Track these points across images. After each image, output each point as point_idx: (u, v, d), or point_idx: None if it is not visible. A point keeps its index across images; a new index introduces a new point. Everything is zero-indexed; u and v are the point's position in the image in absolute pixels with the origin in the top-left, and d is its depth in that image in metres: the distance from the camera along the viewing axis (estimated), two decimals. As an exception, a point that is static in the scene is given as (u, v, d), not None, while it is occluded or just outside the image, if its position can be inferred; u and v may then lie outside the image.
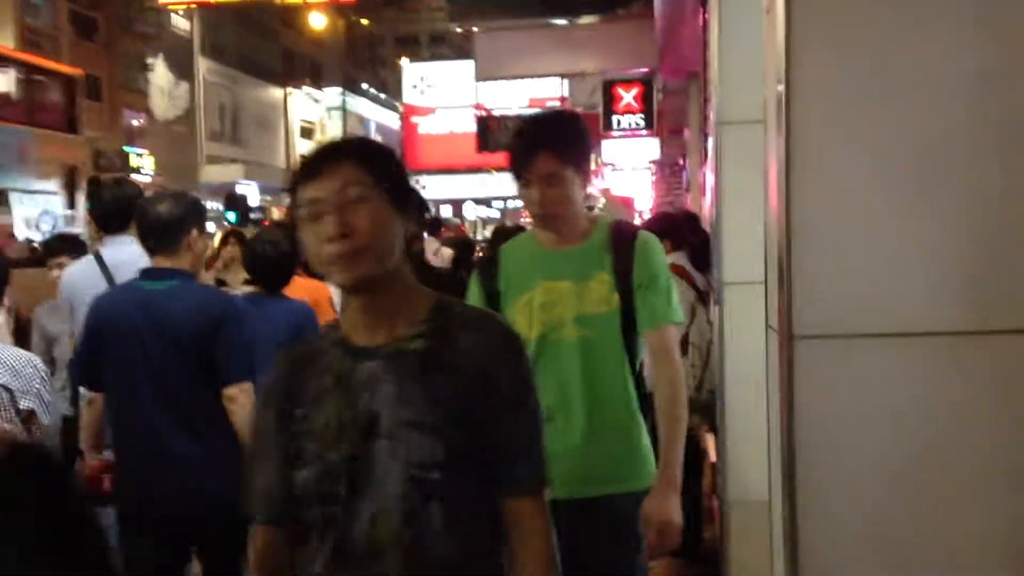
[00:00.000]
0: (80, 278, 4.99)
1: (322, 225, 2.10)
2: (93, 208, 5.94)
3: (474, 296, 3.37)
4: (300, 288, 5.40)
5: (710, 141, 5.59)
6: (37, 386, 3.50)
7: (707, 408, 5.23)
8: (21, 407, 3.43)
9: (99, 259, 4.98)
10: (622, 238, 3.32)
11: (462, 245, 11.36)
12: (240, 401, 3.82)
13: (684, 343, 5.39)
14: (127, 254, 4.75)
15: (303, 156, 2.25)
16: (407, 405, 2.17)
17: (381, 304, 2.21)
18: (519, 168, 3.22)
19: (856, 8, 2.39)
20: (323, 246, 2.11)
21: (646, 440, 3.44)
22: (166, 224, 3.97)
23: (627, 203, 23.06)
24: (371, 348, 2.22)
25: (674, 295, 3.39)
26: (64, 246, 5.98)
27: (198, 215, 4.17)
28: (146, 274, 4.01)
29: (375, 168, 2.17)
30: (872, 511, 2.46)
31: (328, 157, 2.18)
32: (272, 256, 4.92)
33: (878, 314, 2.47)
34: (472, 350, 2.21)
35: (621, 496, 3.32)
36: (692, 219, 6.86)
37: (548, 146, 3.18)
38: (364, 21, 69.50)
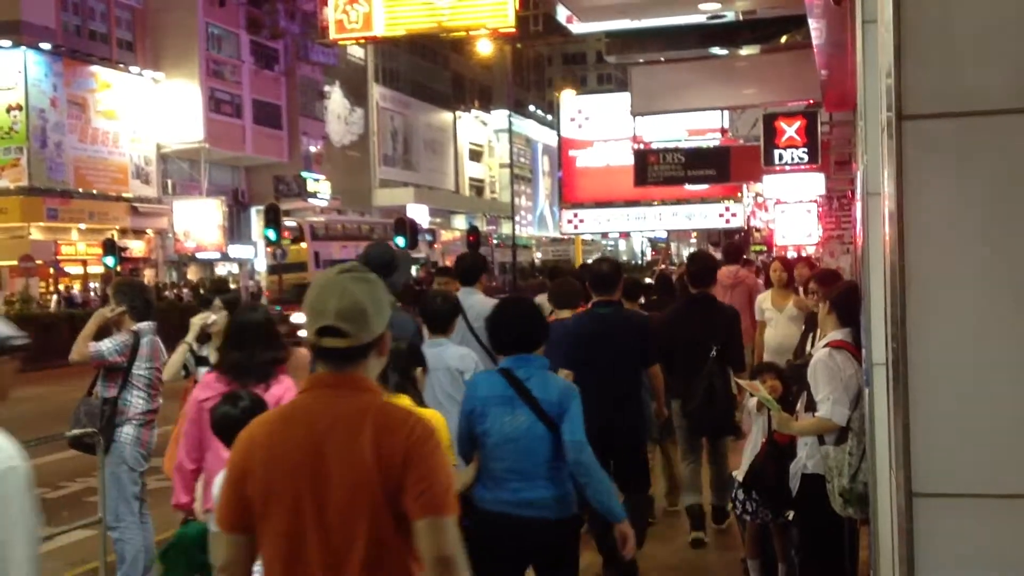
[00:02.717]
0: None
1: None
2: (456, 265, 8.27)
3: None
4: None
5: (857, 205, 5.28)
6: (476, 366, 5.87)
7: (863, 499, 4.89)
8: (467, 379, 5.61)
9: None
10: None
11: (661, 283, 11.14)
12: (656, 375, 6.94)
13: (845, 430, 5.05)
14: (473, 300, 7.24)
15: None
16: None
17: None
18: None
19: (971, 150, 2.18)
20: None
21: None
22: (607, 276, 6.90)
23: (768, 240, 22.21)
24: None
25: None
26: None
27: (620, 271, 7.19)
28: (598, 304, 6.81)
29: None
30: None
31: None
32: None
33: (1005, 473, 2.22)
34: None
35: None
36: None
37: None
38: (519, 45, 70.29)
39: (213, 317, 6.54)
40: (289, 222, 41.32)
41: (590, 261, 8.64)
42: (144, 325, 6.67)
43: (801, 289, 9.27)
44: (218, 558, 2.70)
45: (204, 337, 6.67)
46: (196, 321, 6.63)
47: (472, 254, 8.74)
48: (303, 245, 39.62)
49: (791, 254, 16.26)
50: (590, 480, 4.51)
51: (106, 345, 6.54)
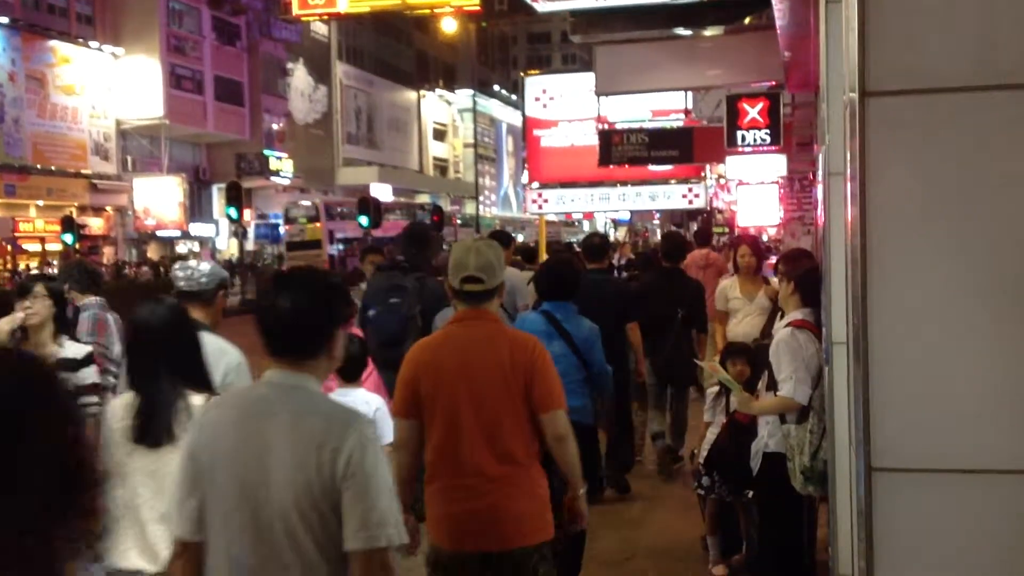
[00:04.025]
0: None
1: None
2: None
3: None
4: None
5: (819, 188, 5.31)
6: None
7: (823, 477, 4.95)
8: None
9: None
10: None
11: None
12: (634, 330, 8.13)
13: (806, 409, 5.09)
14: None
15: None
16: None
17: None
18: None
19: (932, 129, 2.19)
20: None
21: None
22: (600, 247, 8.42)
23: (731, 221, 22.41)
24: None
25: None
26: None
27: (609, 243, 8.59)
28: (592, 271, 8.08)
29: None
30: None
31: None
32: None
33: (963, 449, 2.24)
34: None
35: None
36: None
37: None
38: (484, 24, 69.94)
39: (29, 310, 5.65)
40: (305, 201, 44.52)
41: (572, 240, 10.70)
42: (89, 300, 6.68)
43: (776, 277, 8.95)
44: (396, 438, 4.00)
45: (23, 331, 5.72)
46: (3, 326, 5.78)
47: (498, 232, 10.25)
48: (318, 224, 41.95)
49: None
50: (604, 393, 6.36)
51: None
